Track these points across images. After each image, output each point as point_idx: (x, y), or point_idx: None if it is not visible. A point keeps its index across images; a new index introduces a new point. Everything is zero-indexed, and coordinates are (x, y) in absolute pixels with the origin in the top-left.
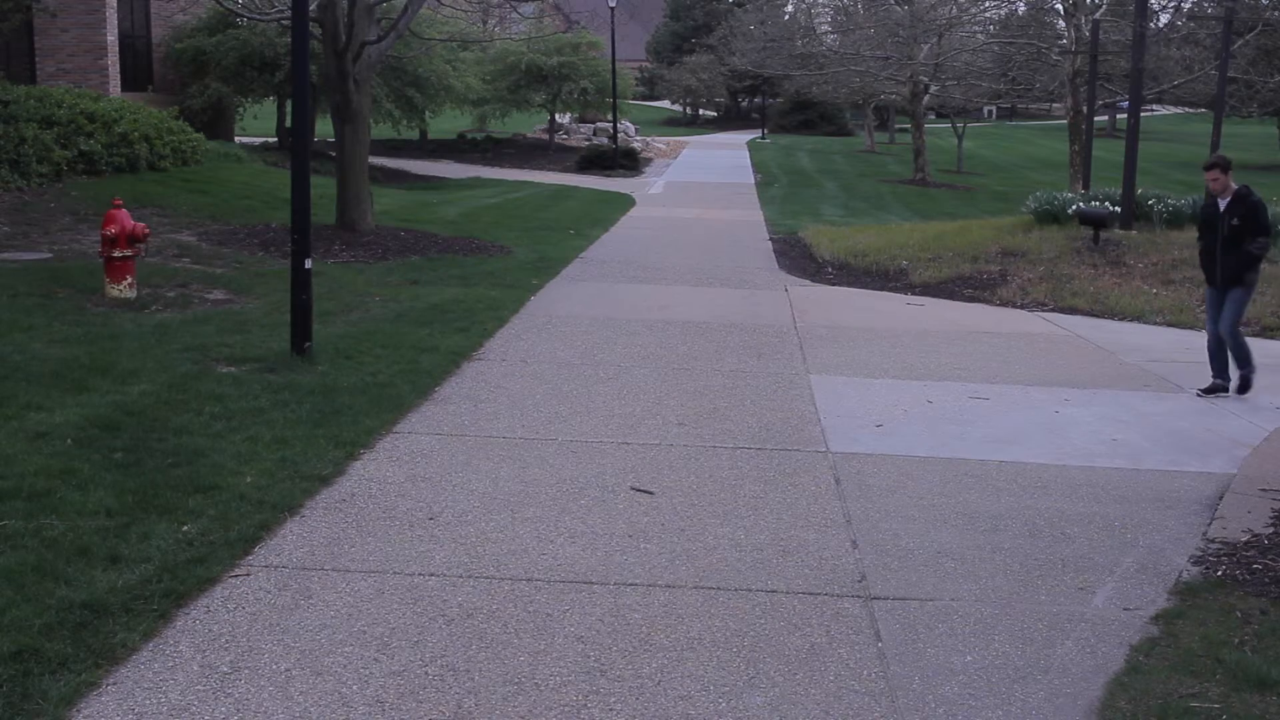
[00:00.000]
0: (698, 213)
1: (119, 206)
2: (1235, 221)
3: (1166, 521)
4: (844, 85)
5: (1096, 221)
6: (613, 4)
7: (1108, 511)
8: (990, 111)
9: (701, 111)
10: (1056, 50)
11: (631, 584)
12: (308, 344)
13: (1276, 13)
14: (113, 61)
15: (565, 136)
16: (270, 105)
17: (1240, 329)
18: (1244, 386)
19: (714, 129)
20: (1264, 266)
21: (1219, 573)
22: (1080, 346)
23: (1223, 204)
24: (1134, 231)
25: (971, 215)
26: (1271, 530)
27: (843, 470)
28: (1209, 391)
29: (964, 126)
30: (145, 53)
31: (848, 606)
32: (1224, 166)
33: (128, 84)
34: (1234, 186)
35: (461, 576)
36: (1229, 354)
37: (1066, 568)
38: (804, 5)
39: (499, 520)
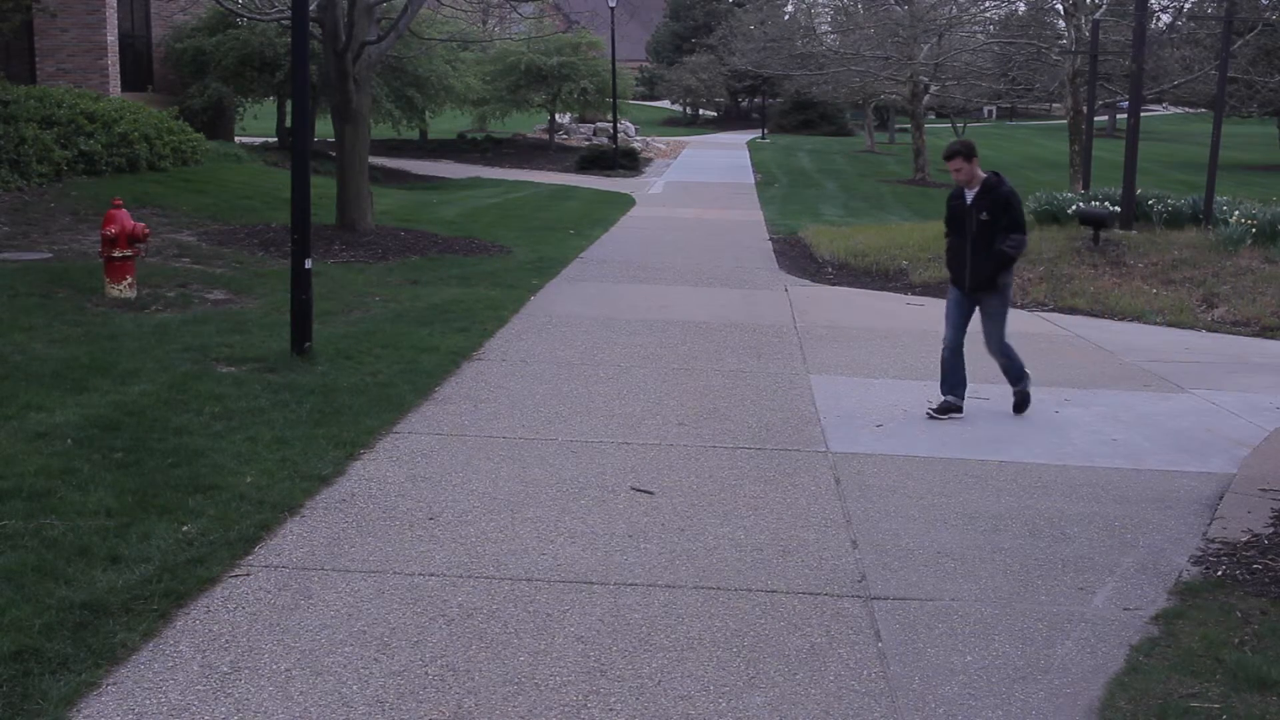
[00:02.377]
0: (698, 213)
1: (119, 206)
2: (984, 216)
3: (1166, 521)
4: (844, 85)
5: (1096, 221)
6: (613, 4)
7: (1108, 511)
8: (990, 111)
9: (701, 111)
10: (1056, 50)
11: (631, 584)
12: (308, 344)
13: (1276, 13)
14: (113, 61)
15: (565, 136)
16: (270, 105)
17: (1008, 343)
18: (1022, 403)
19: (714, 129)
20: (1262, 266)
21: (1219, 573)
22: (1080, 346)
23: (970, 196)
24: (1134, 231)
25: None
26: (1271, 530)
27: (843, 470)
28: (942, 411)
29: (964, 126)
30: (145, 53)
31: (848, 606)
32: (967, 154)
33: (128, 84)
34: (982, 175)
35: (461, 576)
36: (1005, 371)
37: (1066, 568)
38: (804, 5)
39: (499, 520)
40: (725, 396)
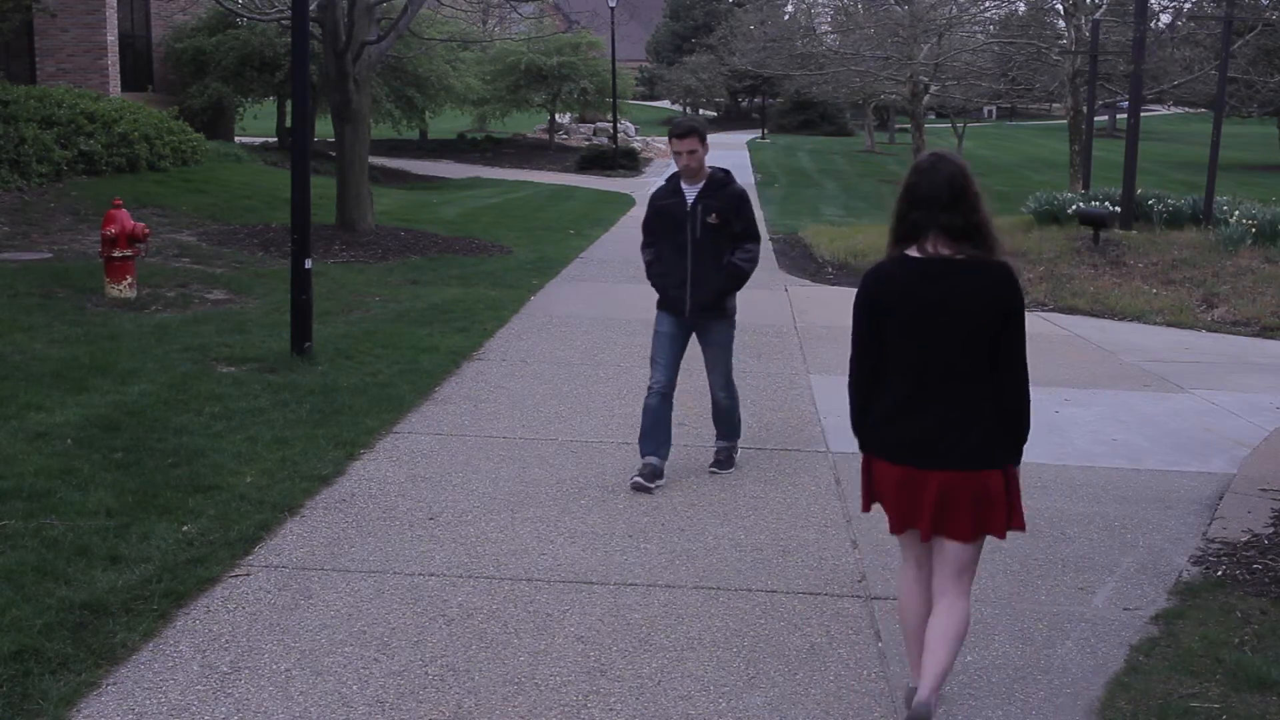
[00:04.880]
0: None
1: (119, 206)
2: (713, 219)
3: (1166, 521)
4: (844, 85)
5: (1096, 221)
6: (613, 4)
7: (1108, 511)
8: (990, 111)
9: (701, 111)
10: (1056, 50)
11: (631, 584)
12: (308, 344)
13: (1276, 13)
14: (113, 61)
15: (565, 136)
16: (270, 105)
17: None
18: (727, 461)
19: (714, 129)
20: (1262, 266)
21: (1219, 573)
22: (1080, 346)
23: (691, 194)
24: (1134, 231)
25: None
26: (1271, 530)
27: (843, 470)
28: (650, 478)
29: (964, 126)
30: (145, 53)
31: (848, 606)
32: (703, 135)
33: (128, 84)
34: (708, 169)
35: (461, 576)
36: (722, 414)
37: (1066, 568)
38: (804, 5)
39: (499, 520)
40: None
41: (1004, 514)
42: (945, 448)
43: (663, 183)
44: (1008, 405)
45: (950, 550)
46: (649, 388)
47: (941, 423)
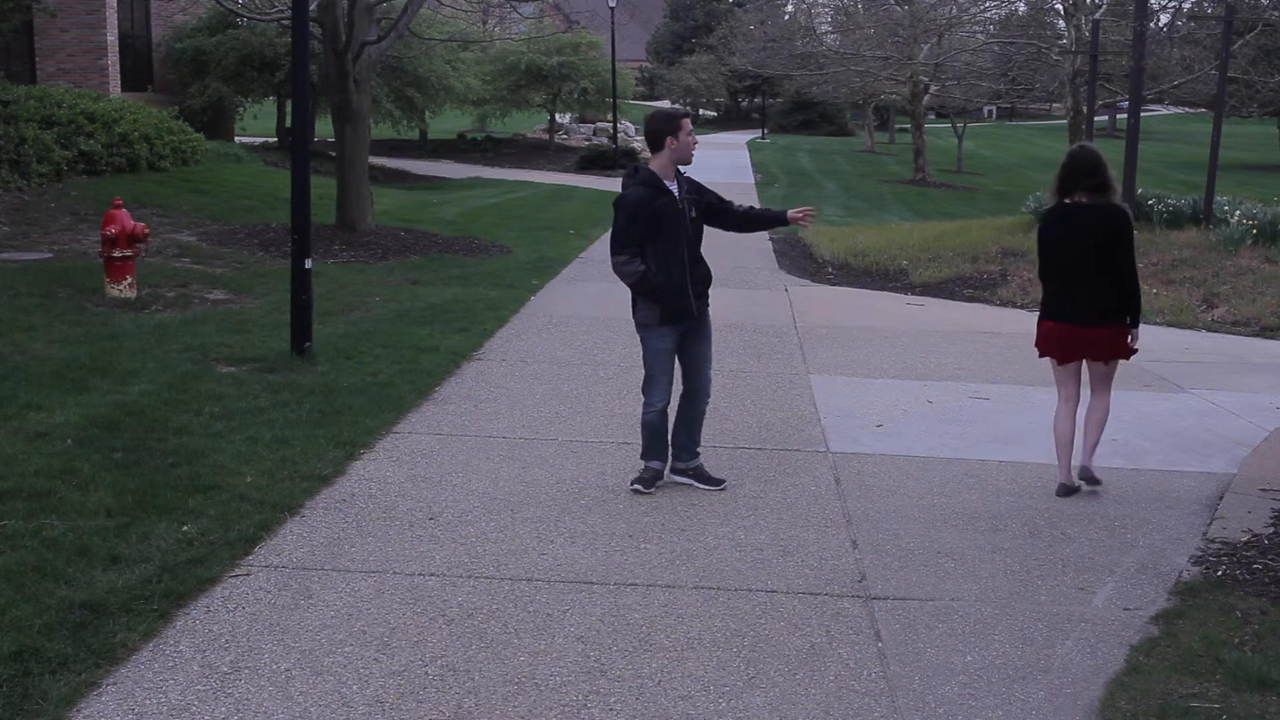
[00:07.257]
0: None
1: (119, 206)
2: (694, 213)
3: (1166, 521)
4: (844, 85)
5: None
6: (613, 4)
7: (1108, 511)
8: (990, 111)
9: (701, 112)
10: (1056, 50)
11: (631, 584)
12: (308, 344)
13: (1276, 13)
14: (113, 61)
15: (565, 136)
16: (270, 105)
17: None
18: (711, 477)
19: (714, 129)
20: (1262, 266)
21: (1219, 573)
22: None
23: (676, 190)
24: (1134, 231)
25: (971, 215)
26: (1271, 530)
27: (843, 470)
28: (648, 483)
29: (964, 126)
30: (145, 53)
31: (848, 606)
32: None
33: (128, 84)
34: None
35: (461, 576)
36: (699, 417)
37: (1066, 568)
38: (804, 5)
39: (499, 520)
40: (725, 396)
41: (1127, 350)
42: (1098, 314)
43: (635, 186)
44: (1124, 294)
45: (1103, 367)
46: (650, 405)
47: (1089, 301)
